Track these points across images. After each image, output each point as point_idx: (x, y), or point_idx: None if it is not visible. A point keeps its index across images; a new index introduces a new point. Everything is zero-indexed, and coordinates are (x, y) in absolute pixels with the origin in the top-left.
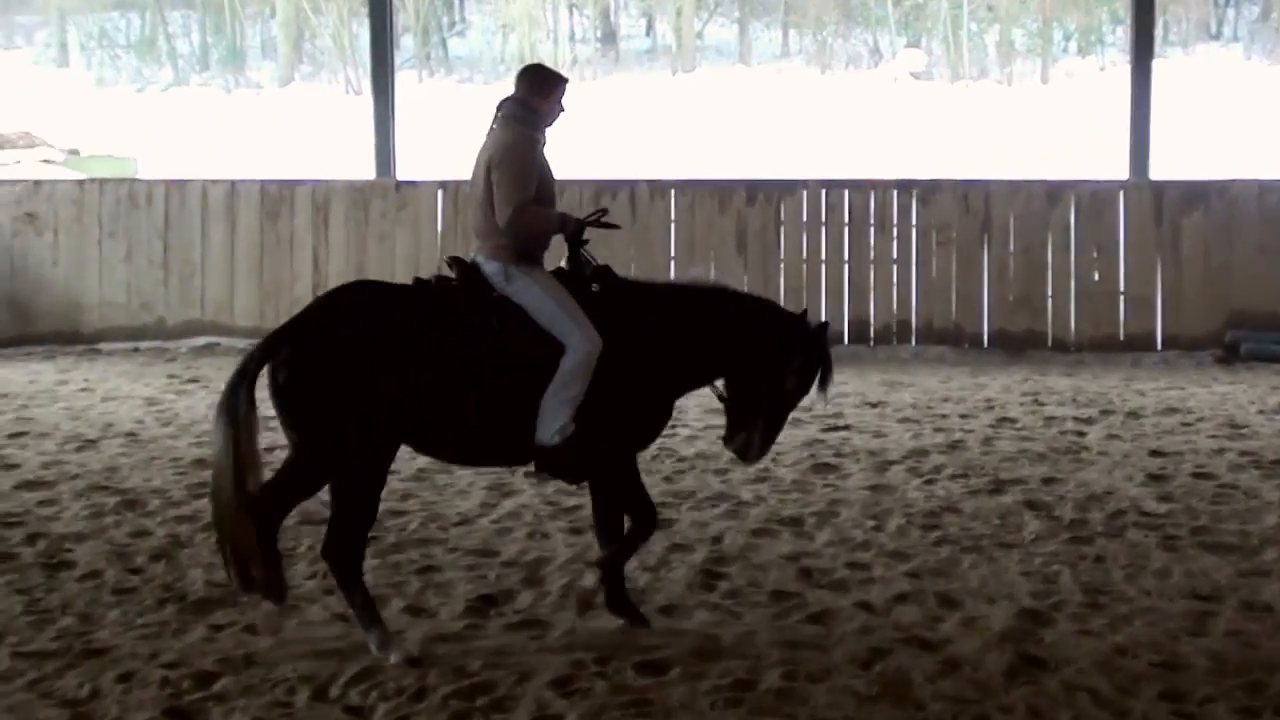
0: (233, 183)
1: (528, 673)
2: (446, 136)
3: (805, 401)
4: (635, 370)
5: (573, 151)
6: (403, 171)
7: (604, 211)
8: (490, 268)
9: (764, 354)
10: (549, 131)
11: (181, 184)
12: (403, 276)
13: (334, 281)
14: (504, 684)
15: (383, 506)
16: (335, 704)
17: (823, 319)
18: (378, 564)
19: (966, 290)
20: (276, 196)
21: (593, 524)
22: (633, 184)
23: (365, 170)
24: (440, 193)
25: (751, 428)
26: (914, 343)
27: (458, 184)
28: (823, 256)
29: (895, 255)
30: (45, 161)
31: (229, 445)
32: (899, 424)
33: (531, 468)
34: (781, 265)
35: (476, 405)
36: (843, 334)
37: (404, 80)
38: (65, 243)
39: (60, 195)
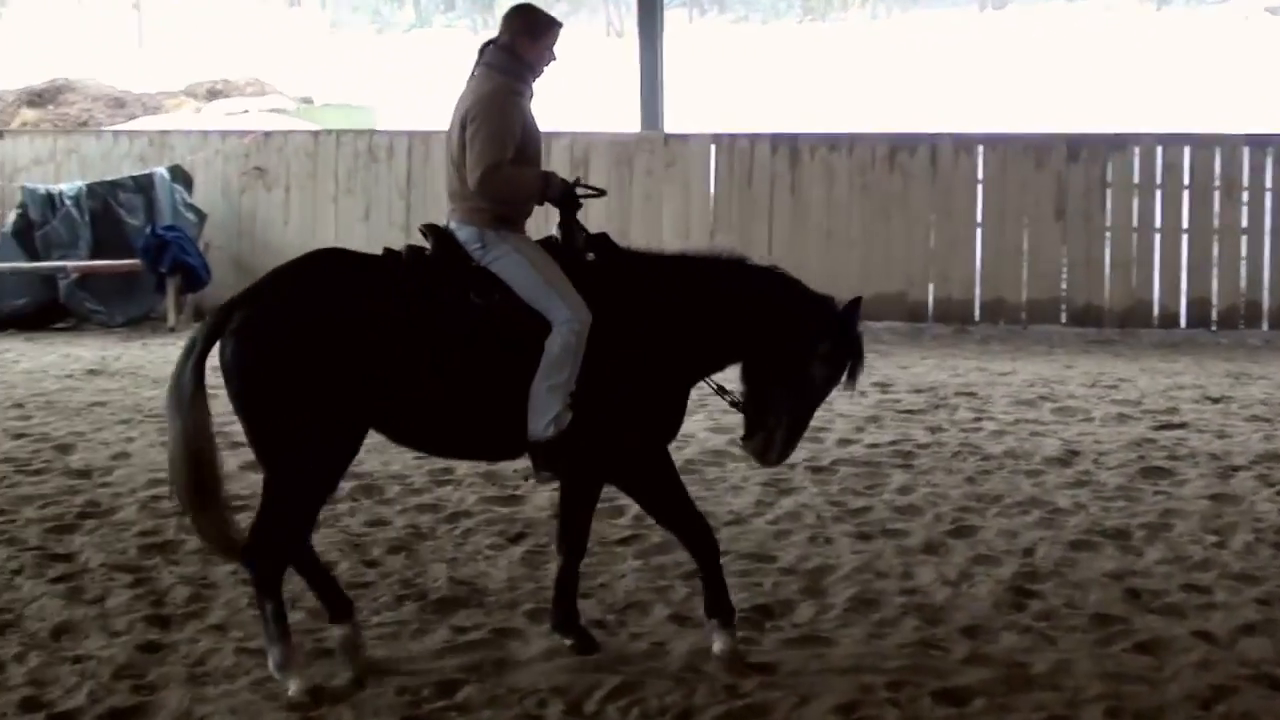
0: None
1: (807, 695)
2: (720, 84)
3: (833, 394)
4: (638, 350)
5: (863, 102)
6: (671, 123)
7: (578, 180)
8: (465, 234)
9: (786, 338)
10: (537, 83)
11: (425, 135)
12: (671, 241)
13: None
14: (781, 707)
15: None
16: None
17: (856, 295)
18: (639, 566)
19: None
20: None
21: (556, 528)
22: (934, 138)
23: (629, 122)
24: (714, 147)
25: (773, 424)
26: (1265, 328)
27: (733, 138)
28: (1156, 225)
29: (1245, 224)
30: (275, 111)
31: (179, 435)
32: (1246, 423)
33: (524, 465)
34: (1107, 235)
35: (450, 390)
36: (1179, 316)
37: (672, 20)
38: (297, 200)
39: (292, 148)
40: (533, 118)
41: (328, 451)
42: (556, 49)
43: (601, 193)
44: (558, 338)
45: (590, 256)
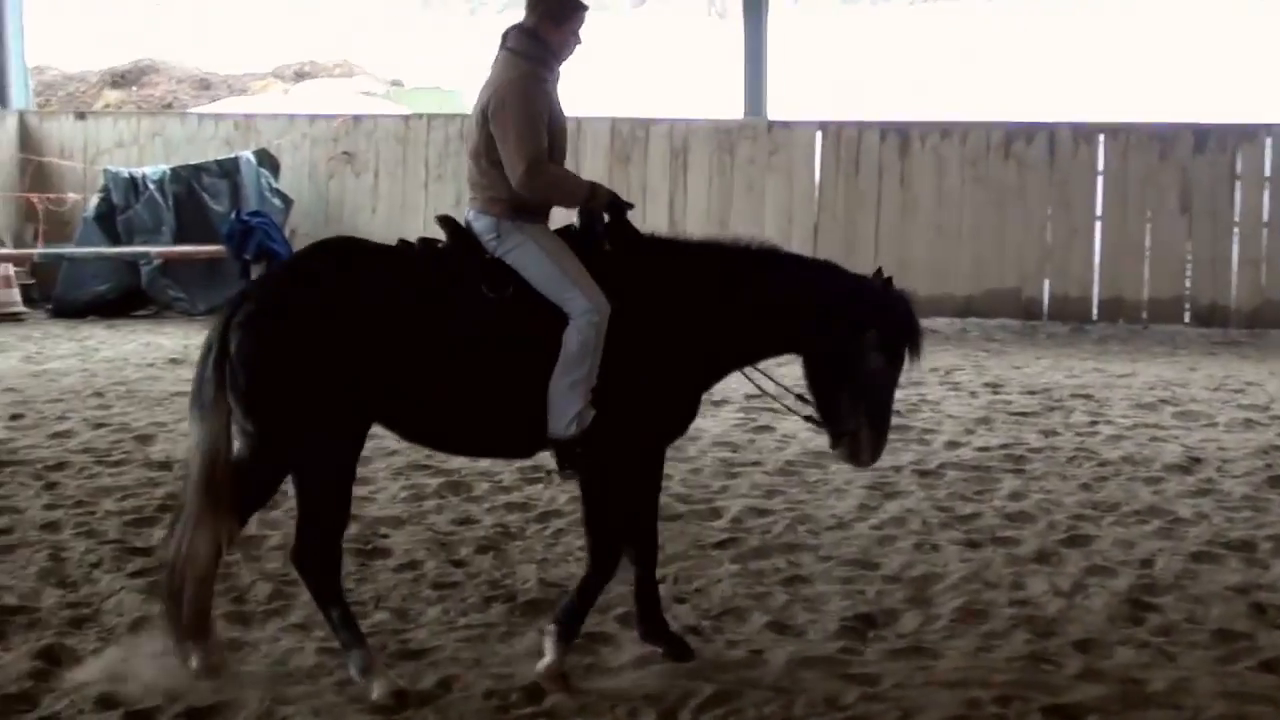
0: (578, 120)
1: (911, 709)
2: (828, 69)
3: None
4: (653, 344)
5: (977, 88)
6: (776, 110)
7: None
8: (481, 224)
9: (831, 329)
10: (563, 67)
11: None
12: (772, 232)
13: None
14: None
15: (744, 504)
16: None
17: (886, 275)
18: (736, 570)
19: None
20: (628, 136)
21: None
22: (1052, 127)
23: (732, 108)
24: (820, 135)
25: (855, 427)
26: None
27: (840, 126)
28: None
29: None
30: (365, 94)
31: (203, 440)
32: None
33: (538, 463)
34: (1235, 230)
35: (462, 386)
36: None
37: (778, 2)
38: (386, 186)
39: (382, 132)
40: (559, 104)
41: (339, 446)
42: (582, 33)
43: (630, 206)
44: (575, 332)
45: (607, 246)
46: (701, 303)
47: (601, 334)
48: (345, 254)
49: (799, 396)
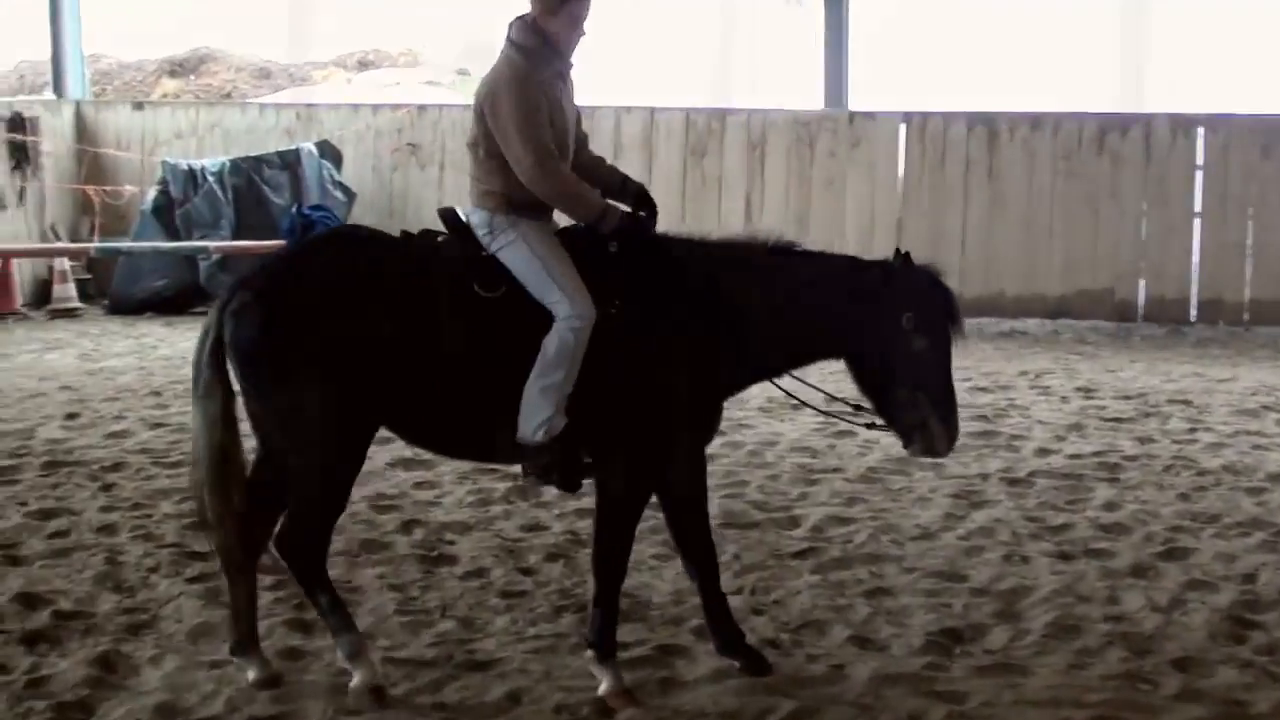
0: (651, 110)
1: None
2: (911, 56)
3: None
4: (661, 353)
5: (1069, 76)
6: (857, 100)
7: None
8: (476, 219)
9: (864, 323)
10: (573, 58)
11: (590, 111)
12: (854, 229)
13: None
14: None
15: (824, 512)
16: None
17: (904, 252)
18: (816, 582)
19: None
20: (704, 129)
21: (673, 546)
22: (1148, 119)
23: (811, 98)
24: (903, 127)
25: (920, 421)
26: None
27: (924, 117)
28: None
29: None
30: (430, 83)
31: (204, 428)
32: None
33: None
34: None
35: (452, 385)
36: None
37: None
38: (452, 178)
39: (447, 123)
40: (565, 98)
41: (330, 436)
42: (586, 24)
43: (647, 235)
44: (555, 336)
45: (613, 246)
46: (706, 306)
47: (582, 342)
48: (344, 245)
49: (856, 407)
